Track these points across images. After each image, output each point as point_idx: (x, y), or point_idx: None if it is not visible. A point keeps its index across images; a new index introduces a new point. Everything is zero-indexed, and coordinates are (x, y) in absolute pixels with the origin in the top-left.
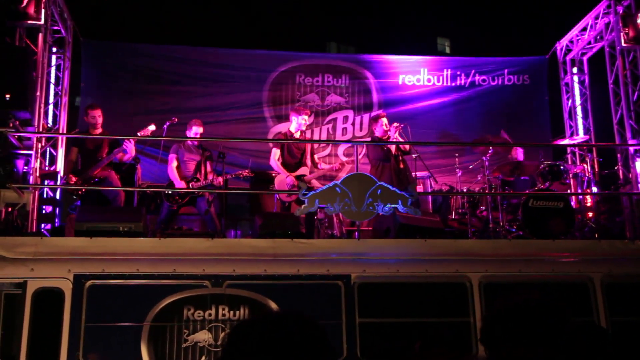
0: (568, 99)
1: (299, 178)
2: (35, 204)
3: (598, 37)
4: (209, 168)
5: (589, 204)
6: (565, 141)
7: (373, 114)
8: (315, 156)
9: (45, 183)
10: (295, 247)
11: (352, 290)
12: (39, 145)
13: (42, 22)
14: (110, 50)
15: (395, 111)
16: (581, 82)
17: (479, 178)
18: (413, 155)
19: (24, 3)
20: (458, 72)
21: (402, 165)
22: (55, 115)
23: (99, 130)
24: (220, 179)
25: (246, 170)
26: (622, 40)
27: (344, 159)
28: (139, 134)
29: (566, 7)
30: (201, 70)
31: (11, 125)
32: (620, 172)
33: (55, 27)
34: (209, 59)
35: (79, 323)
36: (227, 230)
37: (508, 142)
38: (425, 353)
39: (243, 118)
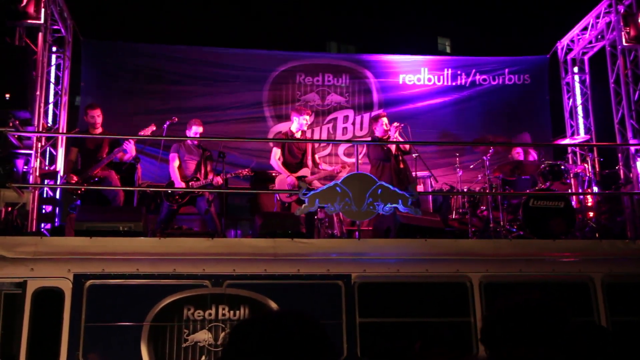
0: (569, 98)
1: (300, 178)
2: (35, 204)
3: (599, 37)
4: (209, 168)
5: (589, 204)
6: (566, 141)
7: (373, 113)
8: (316, 156)
9: (45, 183)
10: (296, 247)
11: (353, 290)
12: (39, 145)
13: (42, 21)
14: (110, 50)
15: (396, 111)
16: (582, 82)
17: (480, 178)
18: (413, 155)
19: (24, 2)
20: (458, 72)
21: (402, 165)
22: (55, 115)
23: (99, 130)
24: (219, 179)
25: (246, 170)
26: (623, 40)
27: (344, 158)
28: (140, 134)
29: (567, 6)
30: (201, 69)
31: (11, 124)
32: (621, 171)
33: (55, 27)
34: (209, 58)
35: (78, 323)
36: (227, 230)
37: (520, 142)
38: (426, 353)
39: (243, 118)
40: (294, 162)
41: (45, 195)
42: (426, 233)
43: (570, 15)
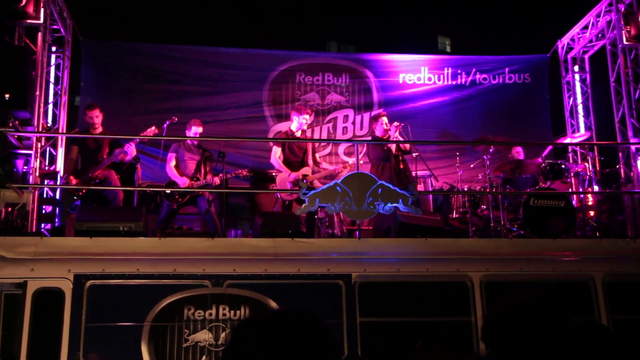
0: (569, 97)
1: (300, 178)
2: (35, 204)
3: (599, 35)
4: (208, 167)
5: (590, 203)
6: (567, 140)
7: (373, 113)
8: (317, 155)
9: (45, 183)
10: (296, 247)
11: (353, 289)
12: (39, 145)
13: (42, 21)
14: (110, 50)
15: (396, 110)
16: (582, 81)
17: (480, 177)
18: (413, 155)
19: (23, 2)
20: (459, 71)
21: (402, 165)
22: (54, 115)
23: (99, 130)
24: (216, 179)
25: (246, 170)
26: (624, 39)
27: (345, 158)
28: (141, 135)
29: (567, 5)
30: (201, 69)
31: (11, 124)
32: (622, 170)
33: (55, 27)
34: (209, 58)
35: (79, 323)
36: (227, 229)
37: (510, 141)
38: (426, 352)
39: (243, 117)
40: (295, 160)
41: (45, 196)
42: (426, 232)
43: (570, 14)
